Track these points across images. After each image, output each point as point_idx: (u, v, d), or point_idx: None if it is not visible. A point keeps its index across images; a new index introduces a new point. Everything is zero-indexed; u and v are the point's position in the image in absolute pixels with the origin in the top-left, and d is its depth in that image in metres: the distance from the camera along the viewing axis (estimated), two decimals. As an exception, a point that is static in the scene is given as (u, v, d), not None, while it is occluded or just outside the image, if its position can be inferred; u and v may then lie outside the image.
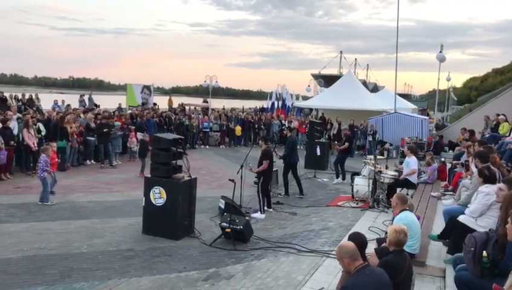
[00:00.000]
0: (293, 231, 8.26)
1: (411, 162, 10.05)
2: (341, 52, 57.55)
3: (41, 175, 9.37)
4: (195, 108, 26.46)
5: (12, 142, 11.65)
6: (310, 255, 6.78)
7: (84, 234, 7.63)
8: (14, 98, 20.25)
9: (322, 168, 15.02)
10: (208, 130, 21.32)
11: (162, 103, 27.65)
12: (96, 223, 8.30)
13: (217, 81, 29.13)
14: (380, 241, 5.66)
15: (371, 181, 10.12)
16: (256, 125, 22.69)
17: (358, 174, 11.15)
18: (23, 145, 12.15)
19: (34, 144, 12.21)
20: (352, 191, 10.59)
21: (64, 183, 11.27)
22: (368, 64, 63.42)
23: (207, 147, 20.77)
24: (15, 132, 12.04)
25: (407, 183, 9.94)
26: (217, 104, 36.51)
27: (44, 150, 9.83)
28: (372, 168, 10.29)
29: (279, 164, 11.54)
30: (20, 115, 13.85)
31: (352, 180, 10.82)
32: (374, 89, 46.32)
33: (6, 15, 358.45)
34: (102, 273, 5.99)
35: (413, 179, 9.96)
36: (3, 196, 9.90)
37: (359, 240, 4.25)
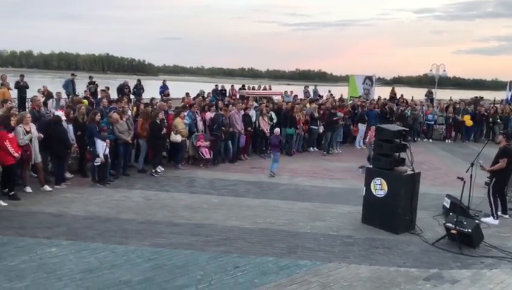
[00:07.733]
0: (536, 244, 7.09)
1: None
2: None
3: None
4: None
5: (250, 128, 13.35)
6: (559, 275, 5.72)
7: (307, 215, 8.24)
8: (252, 88, 23.22)
9: None
10: (432, 122, 19.97)
11: (383, 93, 27.13)
12: (318, 207, 8.83)
13: (444, 70, 26.84)
14: None
15: None
16: (490, 119, 20.04)
17: None
18: (259, 130, 13.77)
19: (267, 130, 13.72)
20: None
21: (291, 166, 12.38)
22: None
23: (430, 140, 19.51)
24: (253, 119, 13.77)
25: None
26: (443, 94, 33.78)
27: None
28: None
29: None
30: (256, 104, 15.72)
31: None
32: None
33: (244, 15, 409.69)
34: (324, 255, 6.36)
35: None
36: (242, 173, 11.51)
37: None
